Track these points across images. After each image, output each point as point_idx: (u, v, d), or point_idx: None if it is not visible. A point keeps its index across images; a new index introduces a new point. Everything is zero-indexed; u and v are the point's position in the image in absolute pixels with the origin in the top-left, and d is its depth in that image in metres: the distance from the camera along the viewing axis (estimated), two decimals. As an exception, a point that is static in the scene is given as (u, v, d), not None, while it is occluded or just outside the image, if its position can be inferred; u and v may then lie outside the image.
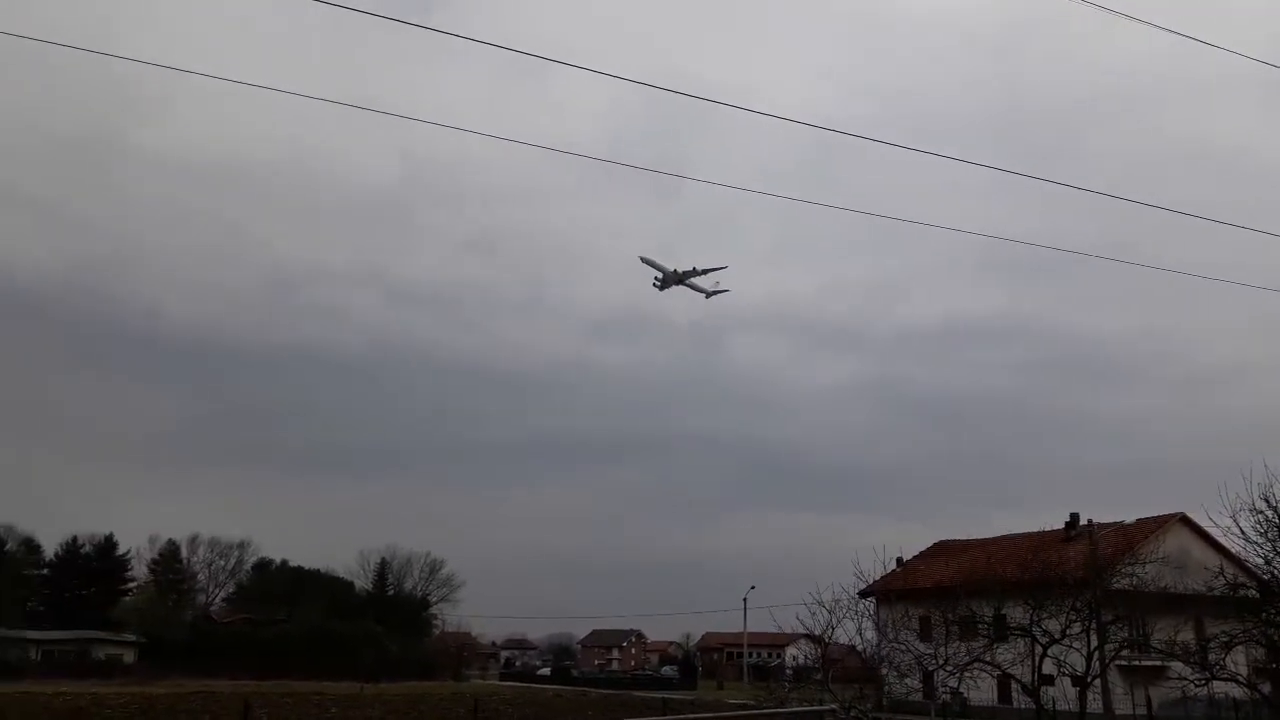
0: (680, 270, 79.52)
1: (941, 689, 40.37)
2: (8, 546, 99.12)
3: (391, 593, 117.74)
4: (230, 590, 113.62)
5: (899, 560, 59.35)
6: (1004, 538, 63.83)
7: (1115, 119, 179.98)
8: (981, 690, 43.19)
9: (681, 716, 31.90)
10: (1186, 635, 37.12)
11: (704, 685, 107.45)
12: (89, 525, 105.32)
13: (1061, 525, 58.93)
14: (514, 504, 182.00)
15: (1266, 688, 33.65)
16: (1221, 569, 32.11)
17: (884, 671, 35.54)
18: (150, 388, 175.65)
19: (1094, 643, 32.03)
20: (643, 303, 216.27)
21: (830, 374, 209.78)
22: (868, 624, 34.92)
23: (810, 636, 35.50)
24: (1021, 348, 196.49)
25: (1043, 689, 32.02)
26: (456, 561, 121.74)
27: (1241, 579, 31.98)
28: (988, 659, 33.73)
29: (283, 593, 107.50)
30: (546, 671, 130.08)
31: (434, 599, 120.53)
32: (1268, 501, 27.67)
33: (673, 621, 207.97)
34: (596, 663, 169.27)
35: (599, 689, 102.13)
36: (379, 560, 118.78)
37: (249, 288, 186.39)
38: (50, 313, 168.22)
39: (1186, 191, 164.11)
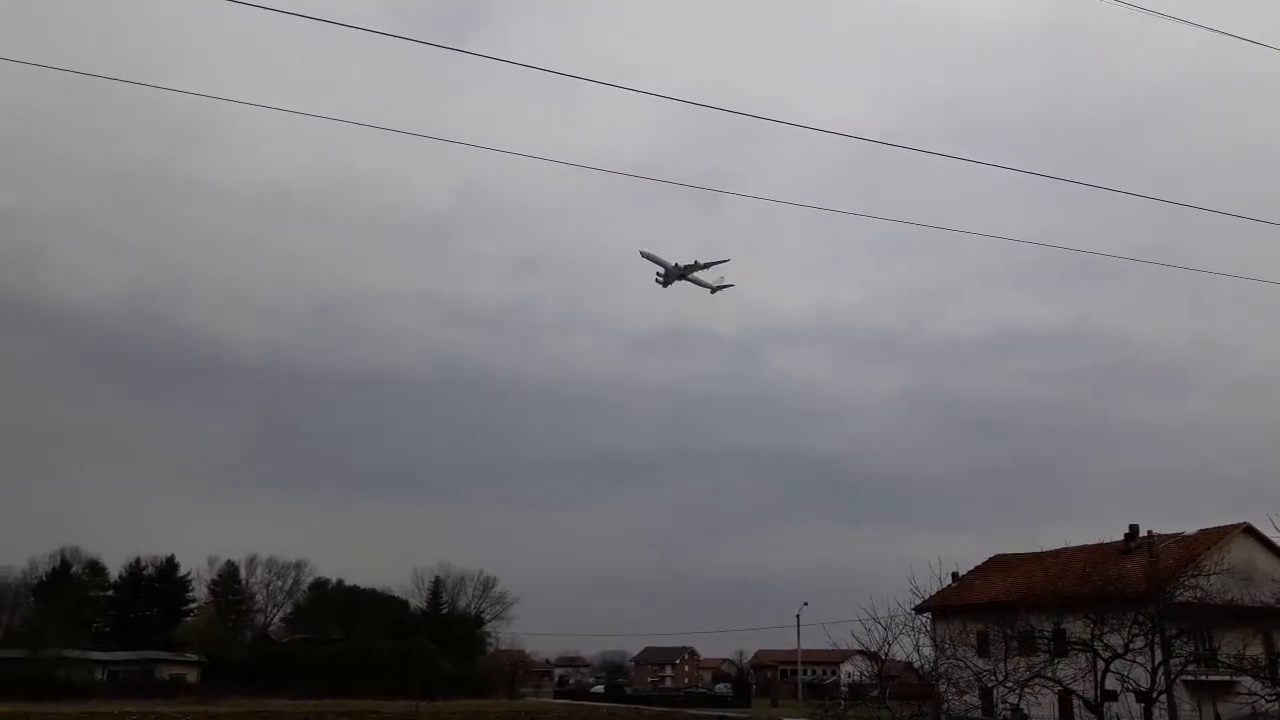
0: (681, 265, 78.19)
1: (1001, 706, 39.66)
2: (74, 569, 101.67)
3: (445, 611, 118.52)
4: (288, 610, 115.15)
5: (954, 575, 58.54)
6: (1061, 551, 62.57)
7: (1161, 120, 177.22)
8: (1042, 707, 42.28)
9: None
10: (1255, 649, 36.14)
11: (758, 703, 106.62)
12: (151, 547, 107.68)
13: (1119, 537, 57.70)
14: (564, 521, 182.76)
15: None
16: (1289, 580, 31.29)
17: (942, 688, 34.98)
18: (210, 412, 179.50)
19: (1158, 657, 31.18)
20: (685, 318, 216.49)
21: (877, 385, 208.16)
22: (924, 640, 34.45)
23: (866, 653, 35.11)
24: (1071, 356, 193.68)
25: (1106, 705, 31.30)
26: (509, 579, 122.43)
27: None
28: (1048, 675, 33.04)
29: (339, 612, 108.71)
30: (600, 689, 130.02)
31: (487, 617, 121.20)
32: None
33: (725, 638, 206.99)
34: (650, 680, 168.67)
35: (653, 707, 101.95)
36: (433, 579, 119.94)
37: (304, 313, 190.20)
38: (114, 342, 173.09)
39: (1234, 192, 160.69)
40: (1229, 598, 36.66)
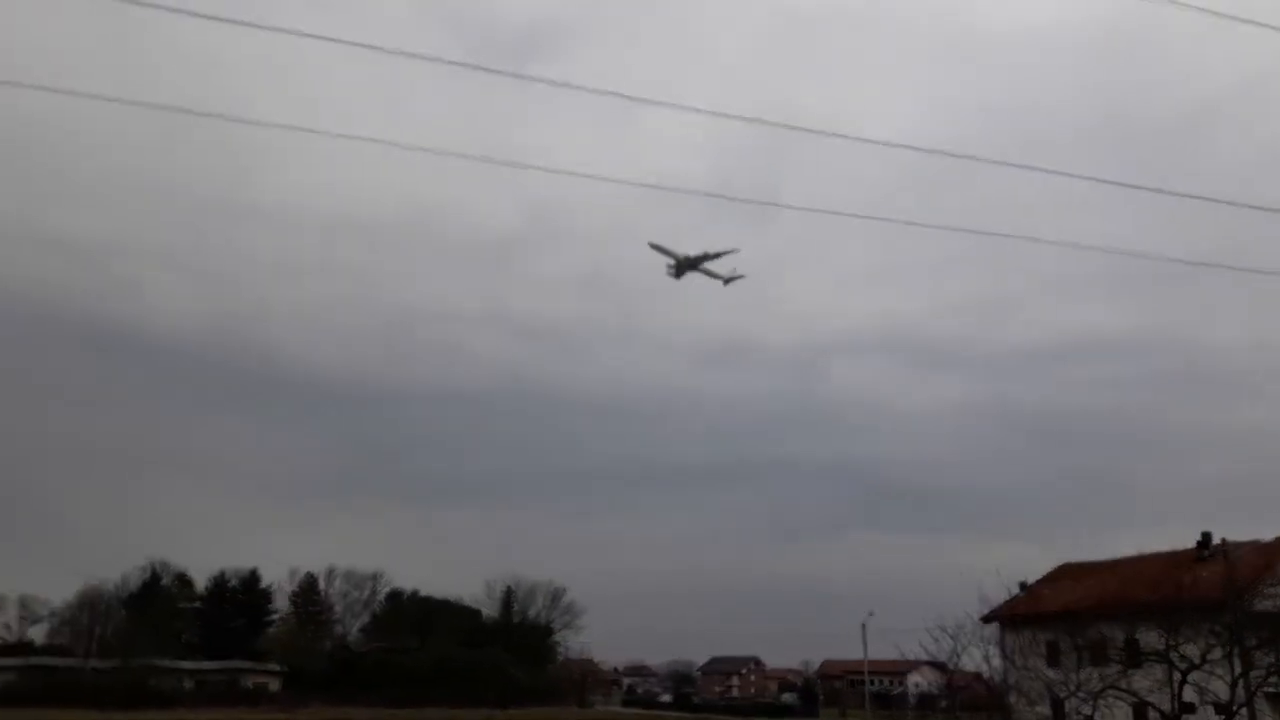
0: (691, 256, 77.61)
1: (1074, 717, 39.66)
2: (163, 582, 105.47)
3: (517, 621, 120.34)
4: (365, 621, 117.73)
5: (1022, 584, 58.25)
6: (1132, 559, 61.68)
7: (1228, 122, 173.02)
8: (1116, 719, 42.19)
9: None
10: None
11: (826, 713, 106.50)
12: (235, 560, 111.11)
13: (1191, 544, 56.79)
14: (631, 531, 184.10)
15: None
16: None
17: (1012, 699, 35.17)
18: (290, 430, 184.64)
19: (1238, 669, 30.60)
20: (745, 330, 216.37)
21: (939, 395, 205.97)
22: (993, 650, 34.70)
23: (934, 663, 35.54)
24: (1137, 362, 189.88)
25: (1184, 718, 31.12)
26: (577, 589, 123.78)
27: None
28: (1122, 686, 32.96)
29: (414, 622, 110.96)
30: (668, 698, 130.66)
31: (557, 626, 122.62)
32: None
33: (791, 648, 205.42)
34: (716, 689, 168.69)
35: (720, 716, 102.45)
36: (504, 589, 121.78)
37: (379, 333, 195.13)
38: (200, 365, 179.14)
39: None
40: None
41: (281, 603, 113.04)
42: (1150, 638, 32.77)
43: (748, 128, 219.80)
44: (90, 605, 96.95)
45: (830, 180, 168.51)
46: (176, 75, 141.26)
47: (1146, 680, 33.15)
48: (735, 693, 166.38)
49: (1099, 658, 35.39)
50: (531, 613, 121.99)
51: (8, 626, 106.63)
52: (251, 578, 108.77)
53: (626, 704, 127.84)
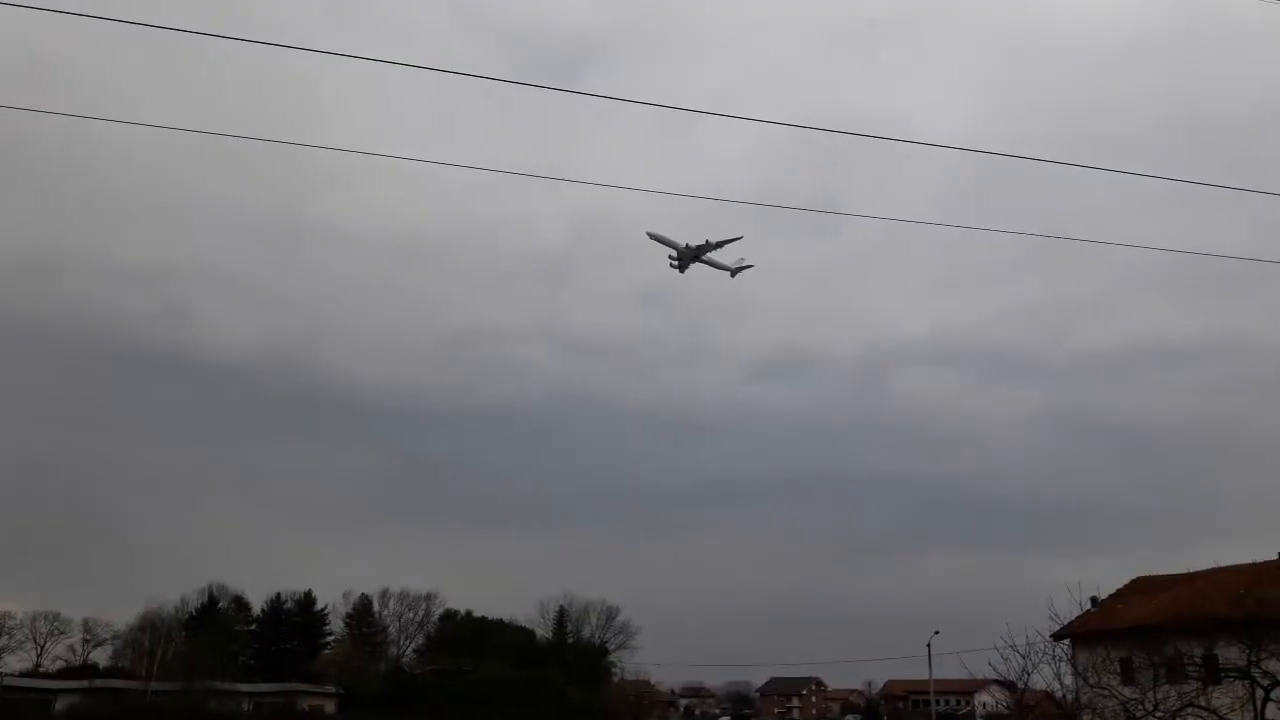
0: (693, 245, 75.04)
1: (1151, 737, 37.76)
2: (221, 604, 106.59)
3: (571, 641, 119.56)
4: (420, 642, 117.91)
5: (1093, 599, 56.04)
6: (1212, 571, 59.06)
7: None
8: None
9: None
10: None
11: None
12: (291, 582, 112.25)
13: (1274, 555, 54.27)
14: (686, 549, 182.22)
15: None
16: None
17: (1085, 718, 33.54)
18: (344, 450, 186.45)
19: None
20: (805, 342, 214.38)
21: (1005, 405, 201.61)
22: (1065, 668, 33.14)
23: (1003, 682, 34.04)
24: (1214, 368, 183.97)
25: (1267, 736, 29.45)
26: (632, 608, 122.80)
27: None
28: (1201, 704, 31.31)
29: (468, 643, 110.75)
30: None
31: (612, 647, 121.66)
32: None
33: (853, 668, 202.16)
34: (776, 711, 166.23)
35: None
36: (557, 609, 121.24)
37: (432, 351, 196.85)
38: (255, 385, 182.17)
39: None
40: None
41: (336, 624, 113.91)
42: (1230, 653, 31.12)
43: (803, 135, 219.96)
44: (151, 628, 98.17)
45: (890, 186, 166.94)
46: (230, 101, 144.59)
47: (1226, 698, 31.47)
48: (796, 714, 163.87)
49: (1176, 675, 33.66)
50: (585, 633, 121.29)
51: (73, 649, 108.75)
52: (306, 600, 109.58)
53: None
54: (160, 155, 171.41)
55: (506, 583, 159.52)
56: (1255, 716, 29.69)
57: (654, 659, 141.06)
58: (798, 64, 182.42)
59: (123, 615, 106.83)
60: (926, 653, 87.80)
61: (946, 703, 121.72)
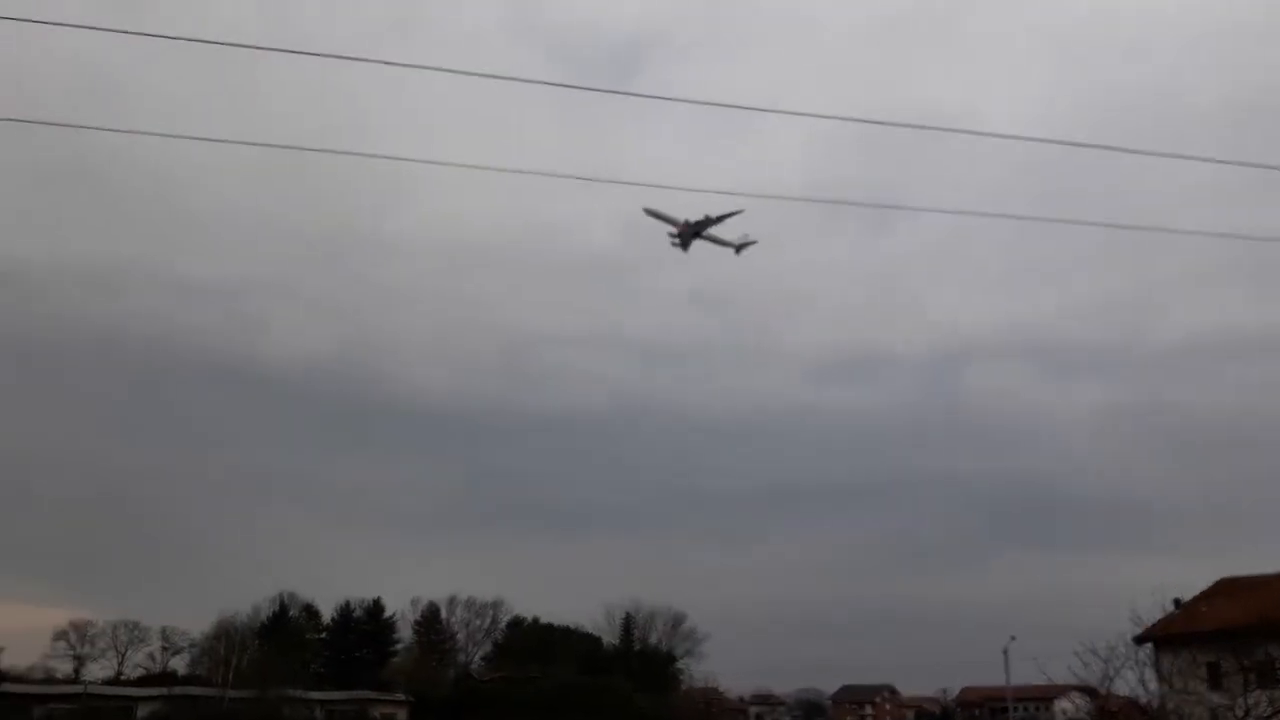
0: (692, 221, 72.12)
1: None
2: (291, 613, 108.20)
3: (637, 648, 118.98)
4: (487, 649, 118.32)
5: (1176, 602, 53.79)
6: (1303, 572, 56.41)
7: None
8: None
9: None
10: None
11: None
12: (359, 590, 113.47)
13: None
14: (753, 554, 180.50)
15: None
16: None
17: (1171, 725, 32.05)
18: (409, 458, 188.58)
19: None
20: (868, 341, 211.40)
21: (1080, 401, 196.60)
22: (1149, 673, 31.68)
23: (1083, 688, 32.65)
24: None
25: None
26: (699, 615, 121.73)
27: None
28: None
29: (535, 650, 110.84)
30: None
31: (679, 654, 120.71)
32: None
33: (927, 675, 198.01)
34: (849, 719, 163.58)
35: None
36: (624, 615, 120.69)
37: (493, 359, 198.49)
38: (322, 396, 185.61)
39: None
40: None
41: (405, 632, 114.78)
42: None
43: (860, 129, 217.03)
44: (226, 636, 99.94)
45: (952, 180, 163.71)
46: (289, 115, 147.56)
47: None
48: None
49: (1266, 679, 31.98)
50: (652, 640, 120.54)
51: (152, 657, 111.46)
52: (375, 607, 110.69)
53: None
54: (223, 170, 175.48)
55: (572, 589, 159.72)
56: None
57: (722, 666, 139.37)
58: (854, 57, 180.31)
59: (198, 624, 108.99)
60: (1003, 658, 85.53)
61: (1025, 709, 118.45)
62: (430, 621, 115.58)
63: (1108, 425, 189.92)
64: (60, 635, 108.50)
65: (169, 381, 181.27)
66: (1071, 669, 30.68)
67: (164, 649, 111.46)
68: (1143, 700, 33.71)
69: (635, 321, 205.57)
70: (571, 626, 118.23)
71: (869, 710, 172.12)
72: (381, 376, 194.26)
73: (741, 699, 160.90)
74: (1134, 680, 30.78)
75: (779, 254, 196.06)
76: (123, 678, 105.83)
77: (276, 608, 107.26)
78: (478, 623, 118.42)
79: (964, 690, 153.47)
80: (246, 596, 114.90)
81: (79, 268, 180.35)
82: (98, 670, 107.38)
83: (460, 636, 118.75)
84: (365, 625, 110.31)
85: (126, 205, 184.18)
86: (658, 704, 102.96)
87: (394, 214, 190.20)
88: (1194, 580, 63.95)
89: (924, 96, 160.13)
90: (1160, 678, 33.00)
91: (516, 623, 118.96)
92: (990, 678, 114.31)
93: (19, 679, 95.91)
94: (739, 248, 75.64)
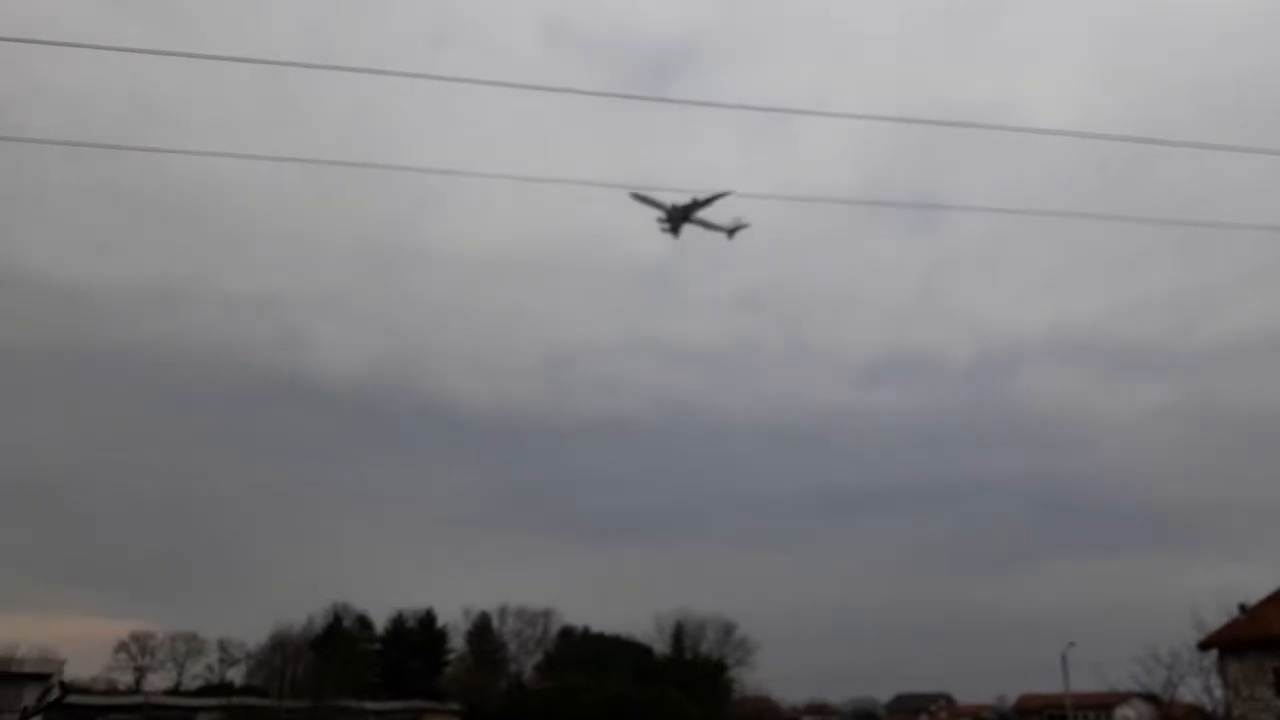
0: (680, 205, 70.25)
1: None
2: (345, 624, 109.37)
3: (689, 657, 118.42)
4: (539, 658, 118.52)
5: (1241, 606, 52.29)
6: (1376, 574, 54.60)
7: None
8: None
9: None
10: None
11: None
12: (411, 601, 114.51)
13: None
14: (801, 560, 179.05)
15: None
16: None
17: (1240, 733, 31.04)
18: (456, 468, 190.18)
19: None
20: (915, 343, 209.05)
21: (1136, 402, 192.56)
22: (1214, 679, 30.77)
23: (1146, 695, 31.82)
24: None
25: None
26: (749, 623, 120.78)
27: None
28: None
29: (586, 659, 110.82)
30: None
31: (730, 663, 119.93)
32: None
33: (984, 682, 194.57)
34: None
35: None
36: (674, 624, 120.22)
37: (536, 367, 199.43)
38: (368, 407, 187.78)
39: None
40: None
41: (457, 642, 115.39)
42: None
43: (902, 128, 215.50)
44: (281, 647, 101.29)
45: (999, 177, 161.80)
46: (331, 132, 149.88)
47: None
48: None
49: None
50: (703, 649, 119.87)
51: (210, 668, 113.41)
52: (427, 618, 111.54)
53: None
54: (269, 186, 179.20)
55: (621, 598, 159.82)
56: None
57: (775, 676, 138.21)
58: (896, 55, 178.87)
59: (254, 635, 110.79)
60: (1061, 664, 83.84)
61: (1085, 717, 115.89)
62: (482, 631, 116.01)
63: (1161, 425, 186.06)
64: (121, 647, 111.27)
65: (222, 396, 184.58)
66: (1133, 675, 29.91)
67: (221, 660, 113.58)
68: (1208, 708, 32.77)
69: (679, 328, 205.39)
70: (622, 636, 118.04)
71: (924, 718, 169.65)
72: (427, 387, 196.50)
73: (795, 708, 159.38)
74: (1198, 687, 30.02)
75: (823, 256, 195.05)
76: (182, 688, 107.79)
77: (331, 619, 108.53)
78: (529, 632, 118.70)
79: (1022, 698, 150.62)
80: (301, 608, 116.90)
81: (133, 285, 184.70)
82: (158, 681, 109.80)
83: (512, 646, 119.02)
84: (418, 635, 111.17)
85: (176, 223, 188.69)
86: (710, 714, 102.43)
87: (437, 226, 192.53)
88: (1259, 584, 62.18)
89: (964, 94, 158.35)
90: (1226, 684, 31.97)
91: (567, 632, 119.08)
92: (1049, 685, 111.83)
93: (83, 690, 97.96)
94: (731, 231, 73.67)
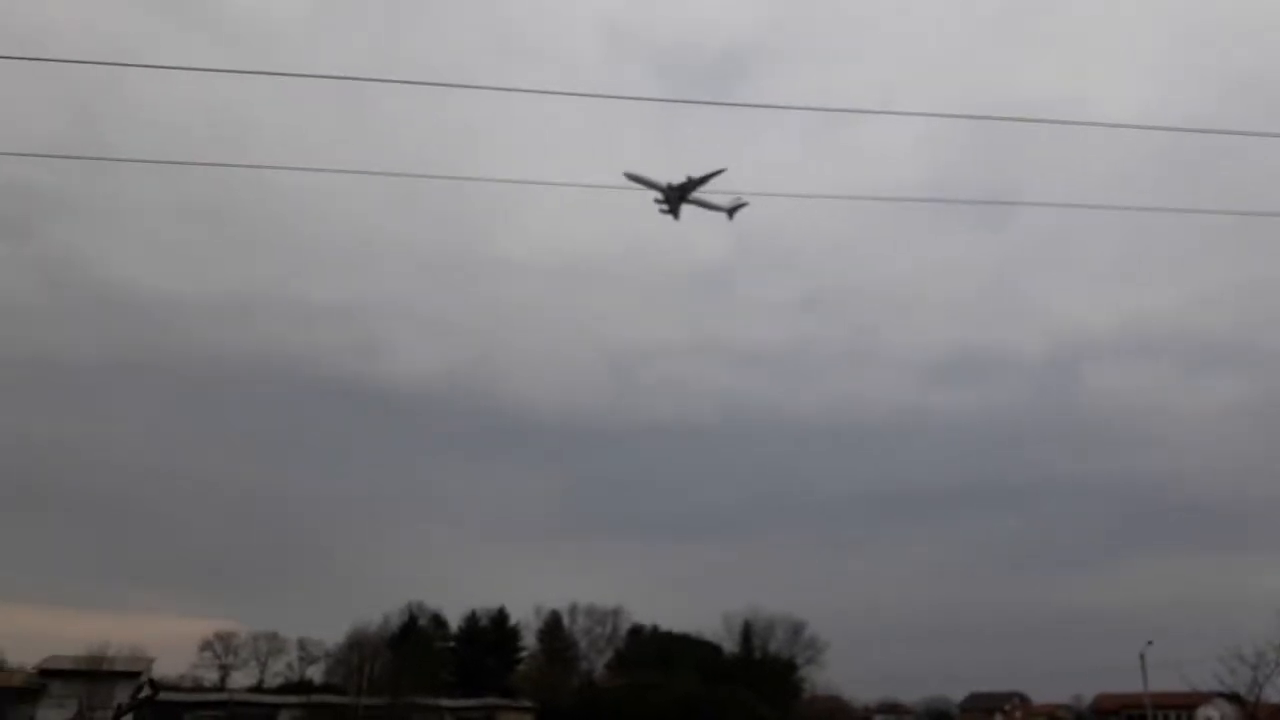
0: (676, 184, 68.63)
1: None
2: (420, 622, 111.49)
3: (758, 656, 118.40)
4: (609, 657, 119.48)
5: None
6: None
7: None
8: None
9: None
10: None
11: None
12: (484, 599, 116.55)
13: None
14: (871, 559, 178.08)
15: None
16: None
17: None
18: (526, 469, 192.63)
19: None
20: (984, 341, 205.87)
21: (1212, 398, 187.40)
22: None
23: (1229, 696, 31.39)
24: None
25: None
26: (819, 622, 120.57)
27: None
28: None
29: (656, 658, 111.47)
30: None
31: (800, 662, 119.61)
32: None
33: (1060, 681, 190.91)
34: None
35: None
36: (742, 623, 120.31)
37: (603, 370, 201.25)
38: (441, 411, 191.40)
39: None
40: None
41: (529, 640, 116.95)
42: None
43: (967, 126, 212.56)
44: (359, 646, 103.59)
45: (1067, 172, 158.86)
46: (401, 144, 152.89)
47: None
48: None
49: None
50: (771, 648, 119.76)
51: (290, 666, 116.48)
52: (500, 616, 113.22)
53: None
54: (341, 200, 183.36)
55: (690, 596, 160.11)
56: None
57: (846, 675, 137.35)
58: (960, 52, 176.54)
59: (332, 634, 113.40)
60: (1140, 663, 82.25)
61: (1165, 717, 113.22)
62: (553, 629, 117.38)
63: (1245, 421, 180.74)
64: (206, 645, 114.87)
65: (299, 402, 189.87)
66: (1216, 675, 29.49)
67: (301, 658, 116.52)
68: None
69: (743, 330, 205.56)
70: (690, 634, 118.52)
71: (998, 718, 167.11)
72: (497, 391, 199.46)
73: (866, 708, 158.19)
74: (1286, 687, 29.35)
75: (888, 255, 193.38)
76: (263, 686, 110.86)
77: (406, 618, 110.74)
78: (599, 630, 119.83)
79: (1099, 697, 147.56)
80: (378, 607, 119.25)
81: (215, 298, 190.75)
82: (241, 679, 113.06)
83: (582, 644, 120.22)
84: (491, 634, 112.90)
85: (255, 237, 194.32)
86: (780, 714, 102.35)
87: (504, 233, 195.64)
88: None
89: (1029, 89, 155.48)
90: (1315, 685, 31.34)
91: (636, 630, 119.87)
92: (1127, 684, 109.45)
93: (171, 687, 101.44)
94: (731, 211, 72.42)
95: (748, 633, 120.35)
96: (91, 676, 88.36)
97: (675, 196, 69.62)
